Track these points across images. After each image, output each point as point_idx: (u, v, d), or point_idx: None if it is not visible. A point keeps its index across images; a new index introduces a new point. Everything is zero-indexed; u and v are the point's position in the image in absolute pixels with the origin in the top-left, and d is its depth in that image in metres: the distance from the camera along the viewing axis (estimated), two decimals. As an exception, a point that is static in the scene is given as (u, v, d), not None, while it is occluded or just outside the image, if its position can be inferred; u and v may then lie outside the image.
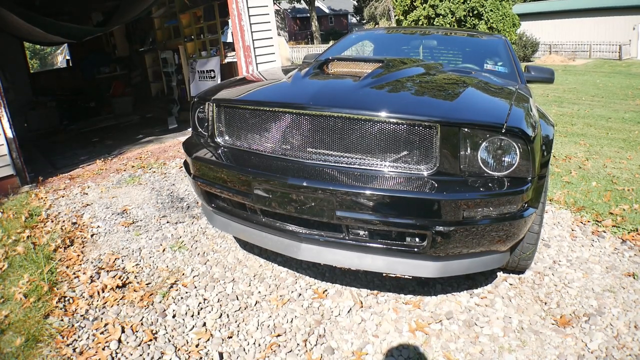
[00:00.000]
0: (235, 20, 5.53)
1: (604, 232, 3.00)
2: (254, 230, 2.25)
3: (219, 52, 6.30)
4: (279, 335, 2.05)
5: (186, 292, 2.40)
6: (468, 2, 14.66)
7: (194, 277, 2.56)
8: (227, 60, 6.24)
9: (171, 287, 2.46)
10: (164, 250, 2.88)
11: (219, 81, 6.01)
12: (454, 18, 15.02)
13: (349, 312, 2.20)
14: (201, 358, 1.92)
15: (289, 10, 41.75)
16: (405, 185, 1.88)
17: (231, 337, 2.05)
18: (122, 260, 2.77)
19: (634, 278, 2.45)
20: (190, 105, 2.63)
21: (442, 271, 1.97)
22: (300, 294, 2.36)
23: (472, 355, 1.91)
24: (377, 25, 33.86)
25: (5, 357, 1.94)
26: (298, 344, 1.99)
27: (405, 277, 2.46)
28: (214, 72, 6.24)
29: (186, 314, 2.22)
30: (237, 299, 2.34)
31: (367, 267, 2.01)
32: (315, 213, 1.95)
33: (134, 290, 2.42)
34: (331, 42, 17.89)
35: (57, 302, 2.32)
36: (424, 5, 15.66)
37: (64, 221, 3.42)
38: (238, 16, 5.51)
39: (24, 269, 2.67)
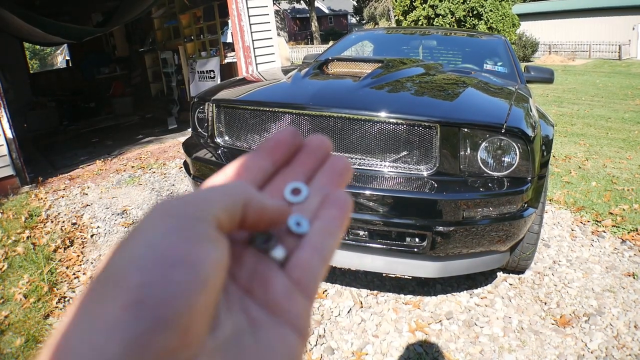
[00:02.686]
0: (235, 20, 5.53)
1: (604, 232, 3.00)
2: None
3: (219, 52, 6.30)
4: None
5: (186, 293, 2.40)
6: (468, 2, 14.67)
7: (193, 277, 2.56)
8: (226, 60, 6.24)
9: (171, 287, 2.46)
10: (163, 250, 2.88)
11: (218, 81, 6.01)
12: (454, 18, 15.03)
13: (348, 312, 2.20)
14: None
15: (288, 11, 41.76)
16: (405, 185, 1.89)
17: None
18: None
19: (634, 278, 2.45)
20: (190, 106, 2.63)
21: (442, 271, 1.97)
22: (300, 294, 2.35)
23: (472, 355, 1.91)
24: (376, 26, 33.85)
25: (5, 357, 1.94)
26: (298, 344, 1.99)
27: (405, 277, 2.46)
28: (213, 72, 6.24)
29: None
30: (237, 299, 2.33)
31: (366, 267, 2.01)
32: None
33: (134, 291, 2.42)
34: (331, 43, 17.89)
35: (57, 303, 2.32)
36: (423, 5, 15.66)
37: (63, 221, 3.42)
38: (238, 16, 5.51)
39: (24, 269, 2.67)
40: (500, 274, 2.50)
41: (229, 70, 6.36)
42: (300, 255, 0.23)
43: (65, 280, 2.56)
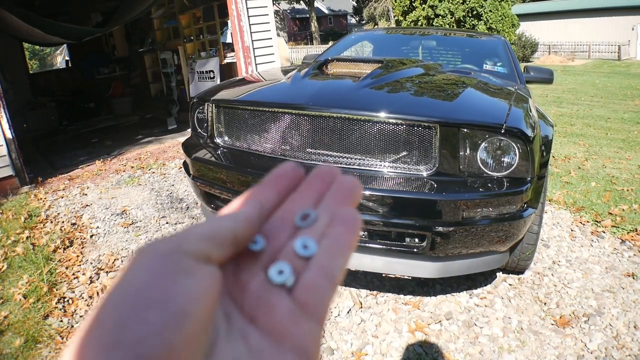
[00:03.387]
0: (235, 20, 5.53)
1: (604, 232, 3.00)
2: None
3: (219, 52, 6.29)
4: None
5: (186, 293, 2.40)
6: (467, 2, 14.67)
7: (193, 277, 2.55)
8: (226, 60, 6.24)
9: (171, 287, 2.46)
10: (163, 250, 2.88)
11: (218, 82, 6.01)
12: (453, 19, 15.03)
13: (348, 312, 2.20)
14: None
15: (288, 11, 41.74)
16: (404, 185, 1.89)
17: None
18: (122, 261, 2.77)
19: (634, 278, 2.46)
20: (190, 106, 2.63)
21: (441, 271, 1.97)
22: (299, 295, 2.35)
23: (471, 356, 1.91)
24: (376, 26, 33.83)
25: (4, 357, 1.94)
26: (297, 345, 1.99)
27: (405, 277, 2.46)
28: (213, 72, 6.24)
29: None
30: (237, 299, 2.33)
31: (366, 268, 2.01)
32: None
33: (134, 291, 2.42)
34: (330, 43, 17.88)
35: (56, 303, 2.32)
36: (423, 5, 15.66)
37: (63, 222, 3.42)
38: (237, 17, 5.51)
39: (24, 269, 2.66)
40: (499, 275, 2.50)
41: (228, 71, 6.36)
42: (306, 277, 0.23)
43: (65, 281, 2.56)
